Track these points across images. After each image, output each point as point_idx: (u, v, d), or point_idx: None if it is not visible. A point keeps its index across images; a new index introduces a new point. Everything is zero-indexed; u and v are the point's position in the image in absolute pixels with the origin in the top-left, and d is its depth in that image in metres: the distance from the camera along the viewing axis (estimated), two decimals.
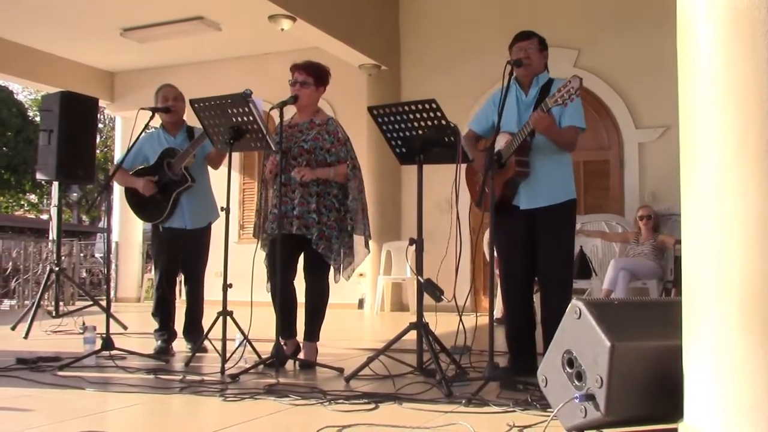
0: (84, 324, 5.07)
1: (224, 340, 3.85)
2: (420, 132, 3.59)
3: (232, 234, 4.33)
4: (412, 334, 3.63)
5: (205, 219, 4.81)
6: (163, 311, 4.75)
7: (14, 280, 9.87)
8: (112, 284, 10.62)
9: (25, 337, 5.54)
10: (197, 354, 4.41)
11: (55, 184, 7.09)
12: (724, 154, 1.96)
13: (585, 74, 7.36)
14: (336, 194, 4.12)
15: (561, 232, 3.74)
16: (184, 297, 4.88)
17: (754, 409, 1.86)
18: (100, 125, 21.08)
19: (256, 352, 4.05)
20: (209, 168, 4.88)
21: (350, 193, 4.07)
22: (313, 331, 4.13)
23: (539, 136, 3.61)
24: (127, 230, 10.90)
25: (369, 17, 8.62)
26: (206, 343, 4.34)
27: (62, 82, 9.67)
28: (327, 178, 4.06)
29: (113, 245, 10.72)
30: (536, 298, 3.96)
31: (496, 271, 3.90)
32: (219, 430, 2.59)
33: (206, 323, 4.36)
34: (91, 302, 6.40)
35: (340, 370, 3.79)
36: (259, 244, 4.20)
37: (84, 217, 24.32)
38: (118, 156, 11.87)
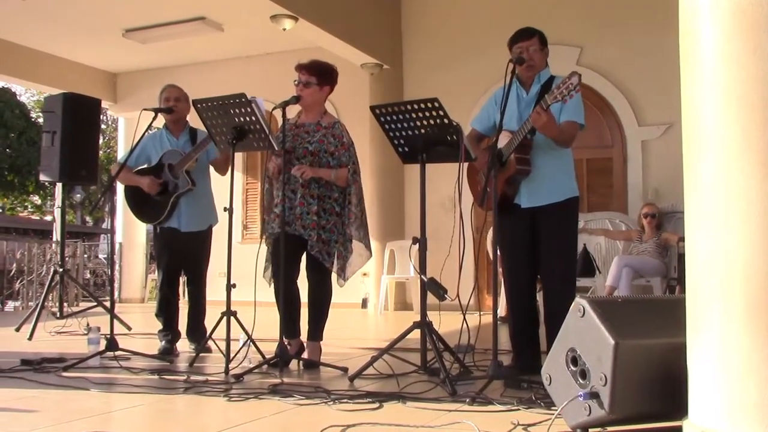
0: (88, 325, 5.09)
1: (228, 340, 3.85)
2: (422, 131, 3.59)
3: (235, 234, 4.34)
4: (416, 333, 3.63)
5: (202, 223, 4.79)
6: (167, 312, 4.76)
7: (18, 281, 9.88)
8: (116, 285, 10.62)
9: (30, 338, 5.55)
10: (201, 354, 4.41)
11: (59, 185, 7.11)
12: (727, 151, 1.96)
13: (588, 72, 7.35)
14: (336, 198, 4.12)
15: (563, 229, 3.73)
16: (187, 298, 4.89)
17: (760, 405, 1.86)
18: (103, 126, 21.12)
19: (260, 352, 4.05)
20: (213, 171, 4.89)
21: (352, 199, 4.08)
22: (316, 331, 4.13)
23: (539, 133, 3.60)
24: (131, 231, 10.91)
25: (371, 16, 8.61)
26: (210, 343, 4.34)
27: (65, 84, 9.69)
28: (327, 178, 4.05)
29: (117, 246, 10.73)
30: (540, 297, 3.96)
31: (500, 270, 3.90)
32: (223, 430, 2.59)
33: (210, 323, 4.36)
34: (95, 303, 6.40)
35: (344, 370, 3.79)
36: (263, 243, 4.20)
37: (87, 219, 24.35)
38: (120, 157, 11.86)
